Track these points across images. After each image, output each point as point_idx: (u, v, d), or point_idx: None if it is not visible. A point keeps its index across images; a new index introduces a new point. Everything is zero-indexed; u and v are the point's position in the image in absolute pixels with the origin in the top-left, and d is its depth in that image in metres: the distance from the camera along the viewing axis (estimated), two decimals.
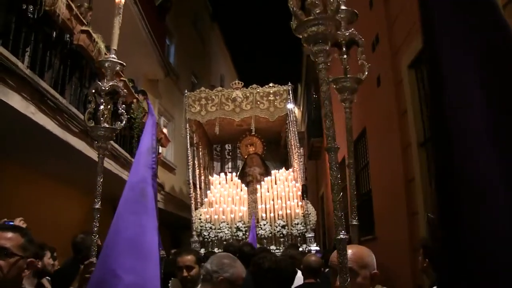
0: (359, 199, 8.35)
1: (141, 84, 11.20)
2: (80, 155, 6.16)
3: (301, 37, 1.57)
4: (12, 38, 4.68)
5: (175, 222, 12.80)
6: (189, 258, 3.32)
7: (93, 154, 6.43)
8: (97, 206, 2.57)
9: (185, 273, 3.24)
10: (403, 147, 5.34)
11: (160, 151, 11.45)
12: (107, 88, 2.71)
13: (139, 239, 1.85)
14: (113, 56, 2.73)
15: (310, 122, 15.71)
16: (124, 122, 2.89)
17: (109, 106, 2.78)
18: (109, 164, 7.12)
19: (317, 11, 1.50)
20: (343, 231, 1.45)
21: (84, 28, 5.92)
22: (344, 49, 2.34)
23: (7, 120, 4.84)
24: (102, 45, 6.44)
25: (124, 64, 2.78)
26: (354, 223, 2.47)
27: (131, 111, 8.39)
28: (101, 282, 1.73)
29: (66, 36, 5.92)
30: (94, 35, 6.20)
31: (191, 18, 17.04)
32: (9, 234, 1.96)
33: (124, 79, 7.75)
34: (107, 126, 2.71)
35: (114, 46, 2.79)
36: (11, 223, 3.49)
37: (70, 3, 5.44)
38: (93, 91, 2.78)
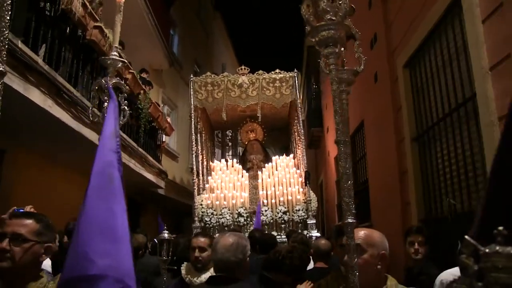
0: (356, 188, 8.71)
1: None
2: (92, 145, 6.48)
3: (313, 40, 1.69)
4: (32, 36, 4.99)
5: (178, 209, 13.15)
6: (203, 240, 3.34)
7: None
8: None
9: (197, 253, 3.26)
10: (397, 141, 5.65)
11: (164, 139, 11.78)
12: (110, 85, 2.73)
13: (110, 222, 1.82)
14: (115, 53, 2.76)
15: (310, 111, 15.98)
16: (126, 118, 2.91)
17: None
18: None
19: (328, 17, 1.63)
20: (351, 216, 1.58)
21: (97, 24, 6.21)
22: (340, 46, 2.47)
23: (27, 113, 5.15)
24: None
25: (126, 61, 2.81)
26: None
27: (138, 101, 8.71)
28: (75, 267, 1.70)
29: (79, 31, 6.23)
30: (106, 31, 6.49)
31: (194, 8, 17.23)
32: (25, 221, 2.04)
33: (133, 71, 8.07)
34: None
35: (116, 43, 2.83)
36: (21, 210, 3.65)
37: (85, 1, 5.72)
38: (96, 88, 2.81)
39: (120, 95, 2.81)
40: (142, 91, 8.74)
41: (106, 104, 2.70)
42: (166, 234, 3.07)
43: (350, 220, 1.58)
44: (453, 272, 2.72)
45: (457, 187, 4.14)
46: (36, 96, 4.92)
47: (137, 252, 4.62)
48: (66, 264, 1.73)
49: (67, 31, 5.92)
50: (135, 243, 4.53)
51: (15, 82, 4.50)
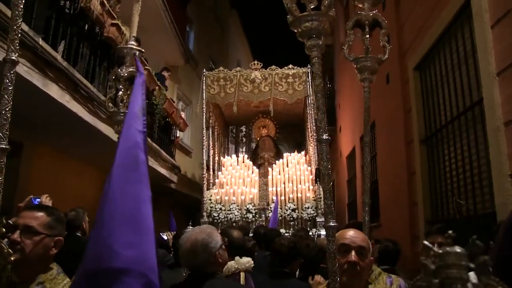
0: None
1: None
2: (107, 140, 6.65)
3: (296, 31, 1.63)
4: (52, 33, 5.16)
5: (190, 204, 13.30)
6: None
7: (116, 138, 6.94)
8: None
9: None
10: (406, 143, 5.71)
11: (178, 135, 11.93)
12: (125, 74, 2.78)
13: (135, 211, 1.68)
14: (132, 42, 2.77)
15: None
16: (149, 108, 2.98)
17: (128, 92, 2.79)
18: None
19: (312, 7, 1.56)
20: (332, 219, 1.56)
21: (114, 21, 6.35)
22: (367, 29, 2.33)
23: (45, 108, 5.32)
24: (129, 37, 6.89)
25: (143, 50, 2.85)
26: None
27: (153, 97, 8.85)
28: (97, 258, 1.58)
29: (97, 28, 6.39)
30: (123, 28, 6.63)
31: (210, 5, 17.34)
32: (36, 213, 2.01)
33: (148, 67, 8.20)
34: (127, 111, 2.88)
35: (134, 33, 2.84)
36: (38, 199, 3.80)
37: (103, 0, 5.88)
38: (113, 77, 2.86)
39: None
40: (157, 87, 8.87)
41: (120, 93, 2.80)
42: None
43: (331, 224, 1.56)
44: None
45: (463, 189, 4.20)
46: (55, 91, 5.08)
47: None
48: (87, 255, 1.62)
49: (85, 28, 6.08)
50: None
51: (34, 77, 4.65)
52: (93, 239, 1.65)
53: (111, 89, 2.88)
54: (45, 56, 4.78)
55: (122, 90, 2.80)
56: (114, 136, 6.82)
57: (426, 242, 0.90)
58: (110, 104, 2.87)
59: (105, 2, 6.04)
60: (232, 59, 21.17)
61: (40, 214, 2.02)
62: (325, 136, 1.58)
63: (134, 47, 2.75)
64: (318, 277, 3.18)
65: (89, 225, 4.50)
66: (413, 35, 5.47)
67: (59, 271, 2.08)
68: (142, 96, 1.91)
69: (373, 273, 2.41)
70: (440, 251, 0.87)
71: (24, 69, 4.45)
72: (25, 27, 4.39)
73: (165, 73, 10.65)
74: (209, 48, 16.96)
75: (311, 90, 9.25)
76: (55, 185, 6.93)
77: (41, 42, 4.67)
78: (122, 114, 2.73)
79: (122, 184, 1.71)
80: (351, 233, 1.97)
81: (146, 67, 8.02)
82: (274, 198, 8.49)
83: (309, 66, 9.38)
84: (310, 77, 9.26)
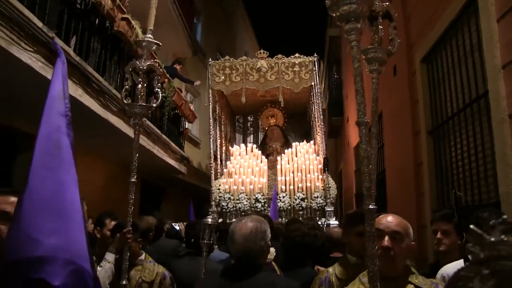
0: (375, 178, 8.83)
1: (170, 62, 11.76)
2: (118, 132, 6.78)
3: (334, 15, 1.60)
4: (64, 29, 5.27)
5: (199, 194, 13.48)
6: None
7: (128, 130, 7.06)
8: (133, 180, 2.71)
9: None
10: (414, 133, 5.78)
11: (187, 126, 12.05)
12: (144, 67, 2.80)
13: (57, 196, 1.60)
14: (150, 36, 2.78)
15: (331, 101, 16.07)
16: (159, 100, 2.96)
17: (145, 85, 2.87)
18: (142, 140, 7.75)
19: None
20: (372, 202, 1.51)
21: (124, 16, 6.45)
22: (380, 20, 2.22)
23: None
24: (139, 31, 6.98)
25: (160, 44, 2.86)
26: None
27: (163, 90, 8.97)
28: (18, 248, 1.49)
29: (107, 23, 6.49)
30: (133, 22, 6.72)
31: None
32: (11, 198, 1.89)
33: (158, 60, 8.30)
34: (143, 104, 2.79)
35: (151, 26, 2.84)
36: None
37: None
38: (130, 69, 2.87)
39: (155, 78, 2.93)
40: (166, 80, 8.98)
41: (139, 86, 2.85)
42: (210, 219, 3.18)
43: (371, 207, 1.51)
44: (456, 266, 2.44)
45: (468, 180, 4.28)
46: (68, 85, 5.19)
47: (146, 234, 4.41)
48: (7, 245, 1.52)
49: (96, 23, 6.18)
50: (145, 224, 4.47)
51: (49, 72, 4.76)
52: (13, 228, 1.56)
53: (127, 81, 2.90)
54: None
55: (141, 83, 2.84)
56: (124, 128, 6.99)
57: (473, 227, 0.81)
58: (126, 97, 2.86)
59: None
60: (240, 50, 21.21)
61: (14, 198, 1.90)
62: (365, 119, 1.54)
63: (152, 40, 2.78)
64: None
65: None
66: (420, 28, 5.52)
67: None
68: (64, 80, 1.88)
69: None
70: (493, 239, 0.77)
71: (39, 65, 4.57)
72: (39, 23, 4.50)
73: (177, 66, 10.74)
74: (217, 40, 17.02)
75: (317, 78, 9.31)
76: None
77: (55, 37, 4.77)
78: (138, 107, 2.78)
79: (41, 170, 1.64)
80: (388, 218, 2.00)
81: (155, 60, 8.13)
82: (283, 187, 8.50)
83: (315, 55, 9.47)
84: (316, 66, 9.36)
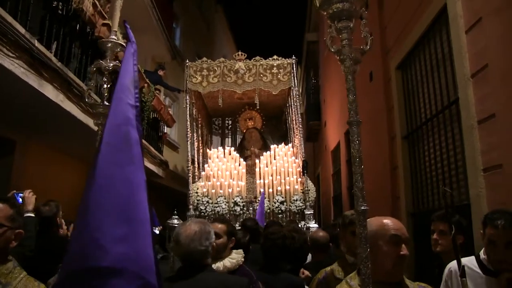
0: (351, 181, 9.02)
1: (149, 66, 11.78)
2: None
3: (325, 13, 1.60)
4: (46, 34, 5.30)
5: (177, 198, 13.49)
6: (219, 226, 3.06)
7: None
8: None
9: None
10: (389, 138, 5.97)
11: (166, 131, 12.08)
12: (110, 68, 2.77)
13: (126, 198, 1.40)
14: (114, 37, 2.79)
15: (309, 105, 16.27)
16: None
17: (109, 85, 2.84)
18: None
19: None
20: (364, 203, 1.49)
21: (105, 21, 6.49)
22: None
23: (39, 107, 5.47)
24: (120, 36, 7.02)
25: (124, 44, 2.68)
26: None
27: (142, 95, 9.01)
28: (84, 256, 1.32)
29: (88, 28, 6.53)
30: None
31: (196, 1, 17.46)
32: None
33: (137, 66, 8.33)
34: (108, 104, 2.65)
35: (115, 28, 2.85)
36: (20, 194, 3.83)
37: (95, 1, 6.02)
38: (94, 69, 2.86)
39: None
40: (146, 85, 9.02)
41: (105, 86, 2.84)
42: (175, 221, 3.14)
43: (363, 208, 1.49)
44: (463, 261, 2.38)
45: (441, 183, 4.47)
46: (50, 91, 5.22)
47: None
48: (70, 251, 1.36)
49: (77, 28, 6.22)
50: None
51: (31, 78, 4.79)
52: (77, 232, 1.39)
53: (91, 81, 2.87)
54: (41, 57, 4.91)
55: (106, 83, 2.84)
56: None
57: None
58: (92, 95, 2.78)
59: (97, 3, 6.18)
60: (218, 55, 21.21)
61: (3, 206, 1.94)
62: (356, 118, 1.54)
63: (117, 41, 2.77)
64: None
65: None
66: (395, 36, 5.72)
67: (15, 264, 1.98)
68: (133, 67, 1.71)
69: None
70: None
71: (21, 71, 4.59)
72: (21, 29, 4.53)
73: (161, 72, 10.73)
74: (195, 44, 17.08)
75: (295, 80, 9.26)
76: (49, 182, 7.08)
77: (36, 44, 4.81)
78: (101, 106, 2.73)
79: (111, 166, 1.44)
80: (397, 223, 1.91)
81: (135, 64, 8.15)
82: (262, 190, 8.31)
83: (293, 57, 9.40)
84: (294, 68, 9.28)
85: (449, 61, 4.23)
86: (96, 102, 2.83)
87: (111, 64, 2.80)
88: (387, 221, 1.91)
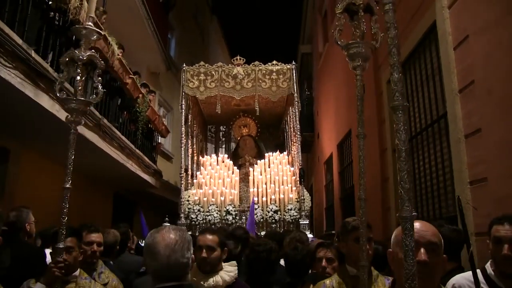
0: (343, 192, 9.11)
1: (144, 77, 11.83)
2: (93, 146, 6.85)
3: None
4: (42, 45, 5.37)
5: (170, 208, 13.50)
6: (211, 238, 2.81)
7: (104, 146, 7.16)
8: (67, 186, 2.48)
9: (204, 254, 2.75)
10: (381, 151, 6.07)
11: (160, 141, 12.13)
12: (84, 58, 2.49)
13: None
14: (90, 24, 2.56)
15: (302, 117, 16.31)
16: (100, 96, 2.62)
17: (83, 78, 2.59)
18: (115, 154, 7.82)
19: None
20: (411, 207, 1.24)
21: (101, 33, 6.57)
22: (361, 13, 2.18)
23: (34, 117, 5.52)
24: (115, 47, 7.13)
25: (102, 33, 2.59)
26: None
27: (137, 105, 9.07)
28: None
29: None
30: (109, 38, 6.86)
31: (192, 12, 17.60)
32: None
33: (133, 76, 8.42)
34: (81, 99, 2.49)
35: (92, 13, 2.67)
36: None
37: None
38: (67, 59, 2.55)
39: (94, 71, 2.59)
40: (140, 95, 9.09)
41: (78, 78, 2.56)
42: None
43: (413, 213, 1.24)
44: (466, 277, 2.45)
45: (430, 195, 4.57)
46: (45, 101, 5.28)
47: (111, 248, 4.12)
48: None
49: (73, 38, 6.29)
50: (111, 238, 4.13)
51: (27, 88, 4.85)
52: None
53: (64, 73, 2.61)
54: (37, 68, 4.97)
55: (79, 75, 2.56)
56: (99, 143, 7.05)
57: None
58: (67, 88, 2.54)
59: (94, 14, 6.26)
60: (212, 64, 21.39)
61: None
62: (404, 103, 1.33)
63: (92, 27, 2.54)
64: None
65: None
66: (387, 50, 5.82)
67: None
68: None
69: (372, 275, 2.37)
70: None
71: (17, 81, 4.65)
72: (18, 40, 4.60)
73: (150, 97, 10.56)
74: (190, 55, 17.16)
75: (296, 87, 9.03)
76: (42, 191, 7.09)
77: (33, 54, 4.87)
78: (75, 102, 2.52)
79: None
80: (418, 225, 1.59)
81: (130, 75, 8.25)
82: (254, 199, 8.12)
83: (293, 63, 9.20)
84: (294, 74, 9.05)
85: (438, 76, 4.34)
86: (69, 96, 2.58)
87: (86, 54, 2.53)
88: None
